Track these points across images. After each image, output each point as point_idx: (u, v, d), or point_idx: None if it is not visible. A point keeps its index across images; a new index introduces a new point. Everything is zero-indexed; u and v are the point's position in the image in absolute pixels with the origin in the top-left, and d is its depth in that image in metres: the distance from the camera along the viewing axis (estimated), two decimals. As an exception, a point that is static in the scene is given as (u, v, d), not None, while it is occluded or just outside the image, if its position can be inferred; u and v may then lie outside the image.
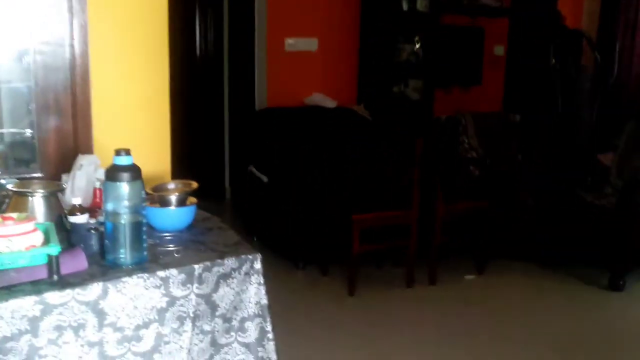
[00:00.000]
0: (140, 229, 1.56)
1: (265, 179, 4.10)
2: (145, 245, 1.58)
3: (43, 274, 1.40)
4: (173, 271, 1.54)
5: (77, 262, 1.49)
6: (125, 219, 1.52)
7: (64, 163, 1.99)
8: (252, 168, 4.29)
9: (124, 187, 1.51)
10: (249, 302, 1.69)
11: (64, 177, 1.89)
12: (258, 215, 4.30)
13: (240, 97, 5.03)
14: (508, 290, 3.70)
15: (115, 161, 1.53)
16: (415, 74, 4.53)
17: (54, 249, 1.40)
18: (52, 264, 1.41)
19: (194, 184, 1.94)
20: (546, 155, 4.35)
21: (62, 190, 1.78)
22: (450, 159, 4.26)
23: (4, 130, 2.14)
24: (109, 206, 1.53)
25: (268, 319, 1.71)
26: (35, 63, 1.99)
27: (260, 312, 1.70)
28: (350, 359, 2.90)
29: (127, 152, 1.54)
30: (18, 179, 1.86)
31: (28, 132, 2.10)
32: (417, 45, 4.45)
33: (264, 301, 1.70)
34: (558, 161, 4.29)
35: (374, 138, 4.04)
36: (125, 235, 1.53)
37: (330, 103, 4.49)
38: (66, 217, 1.65)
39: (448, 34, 4.53)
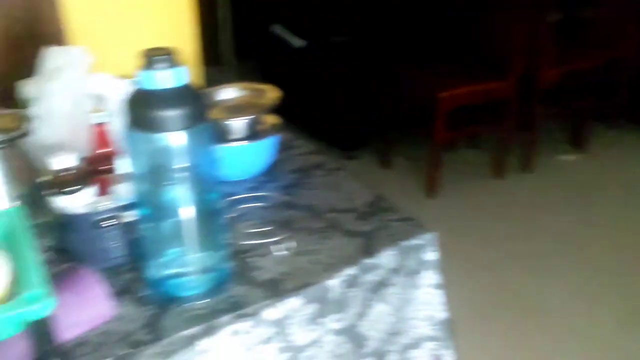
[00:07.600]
0: (215, 218, 0.74)
1: (299, 42, 3.12)
2: (225, 247, 0.77)
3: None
4: (293, 302, 0.74)
5: (91, 308, 0.69)
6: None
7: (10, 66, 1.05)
8: (276, 28, 3.28)
9: (176, 138, 0.66)
10: (417, 318, 0.91)
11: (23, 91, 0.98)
12: (287, 88, 3.32)
13: None
14: (619, 169, 2.92)
15: (146, 80, 0.66)
16: None
17: (42, 302, 0.57)
18: (41, 331, 0.60)
19: (272, 92, 1.08)
20: None
21: (26, 134, 0.87)
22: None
23: None
24: (141, 171, 0.70)
25: (450, 343, 0.94)
26: None
27: (436, 333, 0.92)
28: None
29: (171, 58, 0.66)
30: None
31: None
32: None
33: (442, 314, 0.92)
34: None
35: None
36: (188, 232, 0.72)
37: None
38: (46, 198, 0.80)
39: None
